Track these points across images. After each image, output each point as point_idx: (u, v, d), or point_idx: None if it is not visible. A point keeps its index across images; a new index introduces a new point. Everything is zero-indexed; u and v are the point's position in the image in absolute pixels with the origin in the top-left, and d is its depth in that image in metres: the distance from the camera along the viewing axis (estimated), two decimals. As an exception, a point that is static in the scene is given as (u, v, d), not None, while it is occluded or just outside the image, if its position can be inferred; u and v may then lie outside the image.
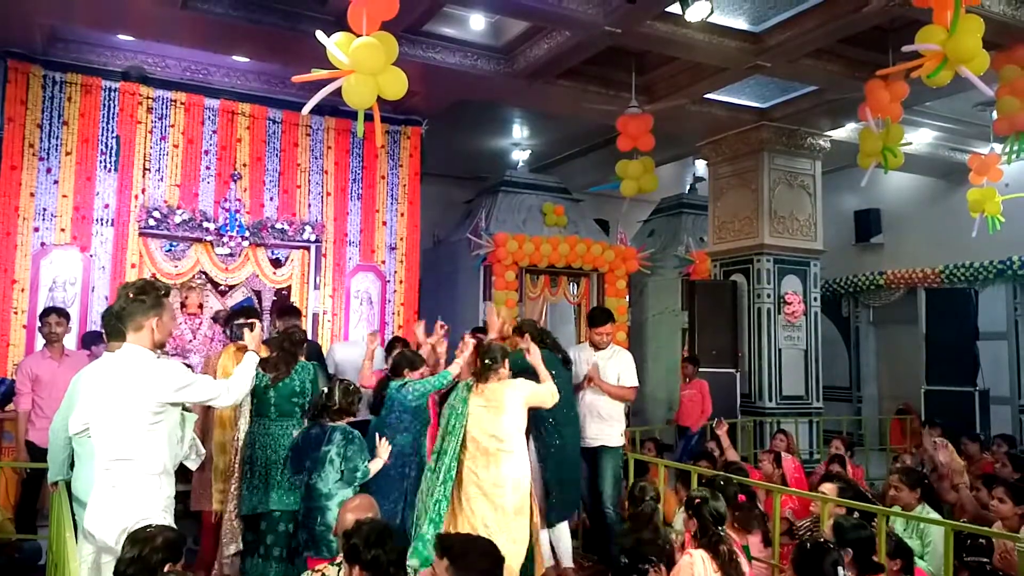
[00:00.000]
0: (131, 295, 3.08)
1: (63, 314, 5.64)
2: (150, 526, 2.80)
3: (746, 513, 4.30)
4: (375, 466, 4.14)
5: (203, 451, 3.72)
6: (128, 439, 2.98)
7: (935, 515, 4.41)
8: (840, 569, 3.10)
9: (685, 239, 11.44)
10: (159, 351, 3.28)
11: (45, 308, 5.97)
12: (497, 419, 4.27)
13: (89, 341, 6.25)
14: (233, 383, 3.35)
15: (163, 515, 3.08)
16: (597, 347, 5.64)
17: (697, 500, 3.65)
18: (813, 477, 6.21)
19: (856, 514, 4.12)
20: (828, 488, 4.48)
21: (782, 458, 5.87)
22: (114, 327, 3.62)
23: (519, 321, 5.57)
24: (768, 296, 9.70)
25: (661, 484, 5.36)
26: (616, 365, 5.57)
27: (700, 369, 8.86)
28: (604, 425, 5.46)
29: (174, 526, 3.08)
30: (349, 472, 4.00)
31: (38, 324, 5.79)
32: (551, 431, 5.11)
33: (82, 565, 3.02)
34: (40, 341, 6.41)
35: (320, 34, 4.53)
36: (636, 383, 5.65)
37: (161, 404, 3.03)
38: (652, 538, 3.93)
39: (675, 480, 5.91)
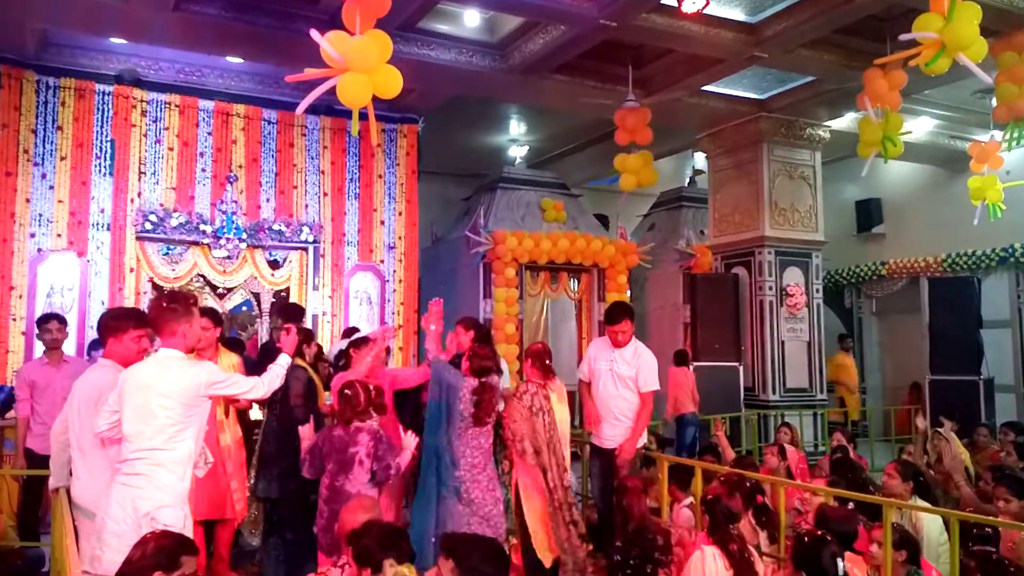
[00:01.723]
0: (164, 304, 3.36)
1: (62, 320, 5.63)
2: (151, 532, 2.77)
3: (762, 512, 4.27)
4: (403, 461, 4.11)
5: (211, 459, 3.73)
6: (161, 431, 3.14)
7: (929, 506, 4.41)
8: (839, 561, 3.08)
9: (685, 233, 11.40)
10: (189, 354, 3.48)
11: (44, 315, 5.93)
12: (564, 410, 4.77)
13: (91, 348, 6.25)
14: (266, 379, 3.57)
15: (182, 506, 3.18)
16: (615, 345, 5.26)
17: (711, 497, 3.62)
18: (816, 471, 6.19)
19: (851, 504, 4.13)
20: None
21: (786, 451, 5.84)
22: (108, 332, 3.62)
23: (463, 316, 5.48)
24: (770, 288, 9.67)
25: (664, 479, 5.32)
26: (634, 366, 5.15)
27: (697, 363, 9.04)
28: (619, 426, 5.13)
29: (181, 529, 3.08)
30: (382, 471, 3.95)
31: (37, 331, 5.74)
32: None
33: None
34: (39, 348, 6.40)
35: (315, 33, 4.50)
36: (655, 387, 5.15)
37: (197, 398, 3.24)
38: (652, 536, 3.90)
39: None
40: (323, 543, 4.02)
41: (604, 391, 5.25)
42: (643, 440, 5.27)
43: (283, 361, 3.73)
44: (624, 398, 5.17)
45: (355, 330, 6.56)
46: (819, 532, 3.41)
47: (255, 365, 4.86)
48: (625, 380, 5.17)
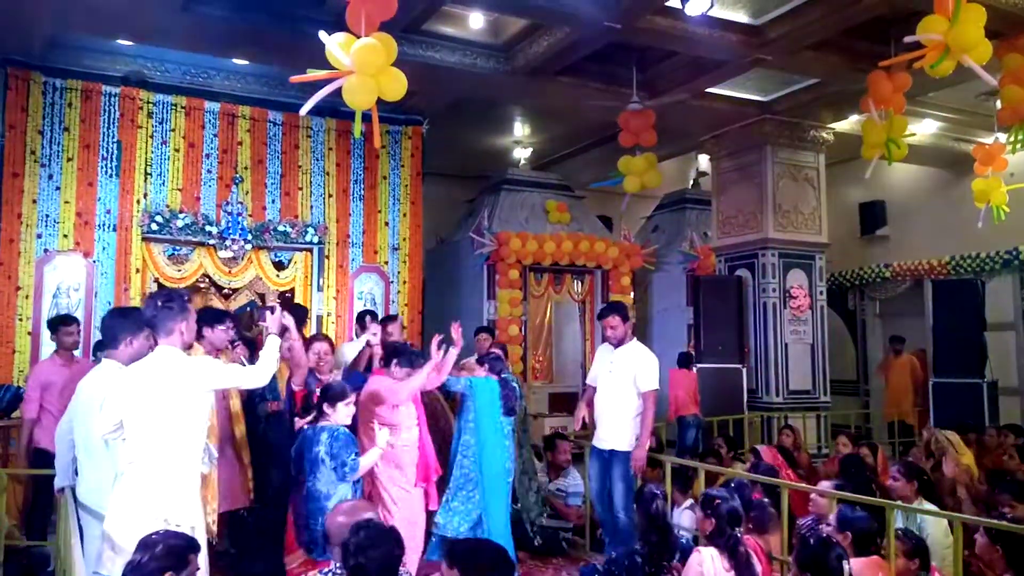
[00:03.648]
0: (160, 303, 3.33)
1: (79, 322, 5.75)
2: (158, 532, 2.77)
3: (760, 513, 4.26)
4: (369, 458, 4.12)
5: (215, 454, 3.74)
6: (167, 430, 3.14)
7: (934, 509, 4.41)
8: (845, 564, 3.08)
9: (689, 234, 11.42)
10: (188, 351, 3.48)
11: (63, 316, 5.92)
12: None
13: (96, 349, 6.26)
14: (261, 367, 3.54)
15: (192, 503, 3.20)
16: (609, 342, 5.33)
17: (717, 501, 3.61)
18: (820, 476, 6.19)
19: (857, 508, 4.14)
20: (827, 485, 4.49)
21: (760, 452, 5.85)
22: (110, 335, 3.64)
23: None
24: (773, 290, 9.67)
25: (668, 482, 5.33)
26: (632, 365, 5.17)
27: (700, 365, 9.18)
28: (616, 427, 5.18)
29: (193, 526, 3.09)
30: (339, 468, 3.99)
31: (53, 332, 5.54)
32: None
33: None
34: (46, 348, 6.43)
35: (323, 34, 4.52)
36: (654, 386, 5.15)
37: (199, 394, 3.26)
38: (664, 539, 3.92)
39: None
40: (302, 541, 4.08)
41: (603, 392, 5.32)
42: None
43: (272, 343, 3.63)
44: (622, 399, 5.19)
45: (369, 313, 6.53)
46: (825, 534, 3.41)
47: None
48: (623, 381, 5.20)
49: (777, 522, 4.46)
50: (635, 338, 5.43)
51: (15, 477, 5.34)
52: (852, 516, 3.74)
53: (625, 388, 5.19)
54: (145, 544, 2.67)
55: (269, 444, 4.72)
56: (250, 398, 4.55)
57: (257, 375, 3.52)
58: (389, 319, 5.89)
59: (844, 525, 3.62)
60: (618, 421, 5.20)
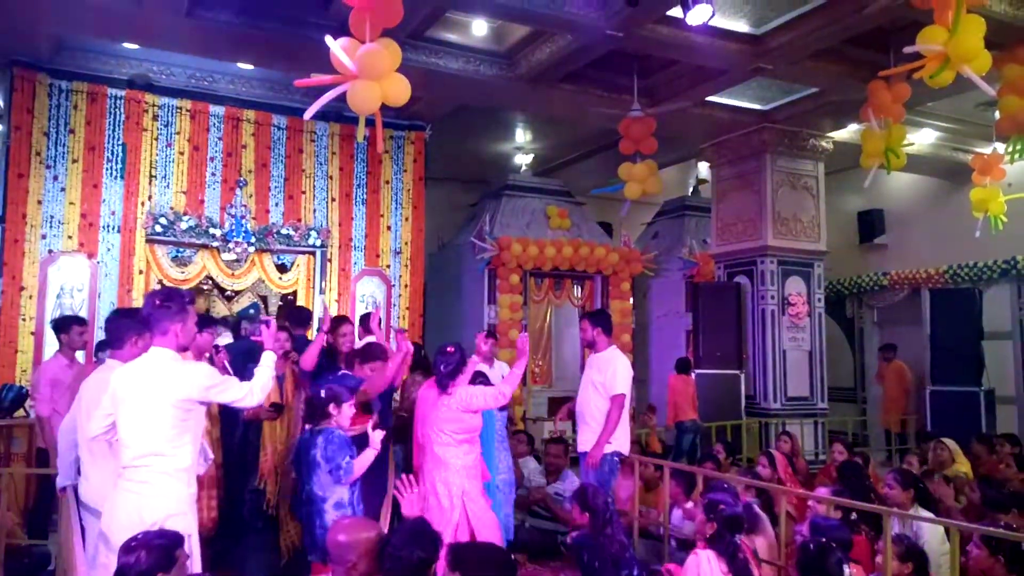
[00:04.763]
0: (158, 302, 3.21)
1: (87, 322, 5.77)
2: (139, 535, 2.72)
3: (750, 515, 4.29)
4: (364, 461, 4.09)
5: (211, 456, 3.72)
6: (159, 435, 3.06)
7: (930, 516, 4.43)
8: (846, 568, 3.12)
9: (689, 241, 11.46)
10: (182, 354, 3.37)
11: (74, 317, 5.94)
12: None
13: (98, 350, 6.29)
14: (257, 385, 3.37)
15: (188, 510, 3.14)
16: (582, 343, 5.56)
17: (721, 506, 3.65)
18: (818, 479, 6.22)
19: (854, 514, 4.16)
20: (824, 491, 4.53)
21: (775, 458, 5.88)
22: (115, 335, 3.65)
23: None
24: (772, 297, 9.71)
25: (666, 484, 5.37)
26: (600, 370, 5.28)
27: (699, 371, 9.23)
28: (589, 431, 5.27)
29: (177, 529, 3.07)
30: (335, 471, 3.98)
31: (63, 333, 5.44)
32: None
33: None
34: (49, 348, 6.46)
35: (329, 38, 4.56)
36: (617, 391, 5.18)
37: (191, 402, 3.13)
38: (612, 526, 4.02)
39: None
40: (306, 544, 4.12)
41: (580, 397, 5.46)
42: (613, 447, 5.24)
43: (268, 360, 3.46)
44: (595, 403, 5.30)
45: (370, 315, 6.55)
46: (823, 539, 3.45)
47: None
48: (596, 386, 5.31)
49: (764, 523, 4.51)
50: (613, 345, 5.50)
51: (19, 476, 5.36)
52: (824, 524, 3.80)
53: (595, 392, 5.31)
54: (128, 549, 2.62)
55: (248, 446, 4.80)
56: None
57: (251, 394, 3.33)
58: (341, 320, 5.56)
59: (817, 532, 3.66)
60: (591, 425, 5.31)
